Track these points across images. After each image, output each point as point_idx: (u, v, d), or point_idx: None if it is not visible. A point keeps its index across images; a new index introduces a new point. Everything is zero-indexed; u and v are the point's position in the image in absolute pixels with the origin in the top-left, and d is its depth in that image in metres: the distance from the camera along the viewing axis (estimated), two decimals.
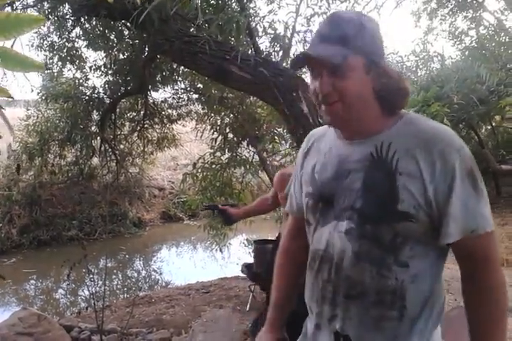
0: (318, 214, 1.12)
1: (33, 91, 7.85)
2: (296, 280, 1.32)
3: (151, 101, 8.15)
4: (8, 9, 4.77)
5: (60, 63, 6.86)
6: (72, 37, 6.42)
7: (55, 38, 6.50)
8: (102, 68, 7.13)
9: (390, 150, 1.00)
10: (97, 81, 7.78)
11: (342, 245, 1.04)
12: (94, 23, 5.83)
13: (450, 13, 10.35)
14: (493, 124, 10.04)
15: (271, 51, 4.59)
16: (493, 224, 0.99)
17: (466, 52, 7.58)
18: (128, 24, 5.18)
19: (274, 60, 4.41)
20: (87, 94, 7.73)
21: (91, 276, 3.70)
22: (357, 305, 1.04)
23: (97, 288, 3.99)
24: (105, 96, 7.65)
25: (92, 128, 8.20)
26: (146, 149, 9.39)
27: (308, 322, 1.20)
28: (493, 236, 1.00)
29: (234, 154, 6.09)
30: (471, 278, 1.04)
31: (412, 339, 1.03)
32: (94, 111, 7.91)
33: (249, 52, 4.07)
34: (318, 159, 1.15)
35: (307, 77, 5.81)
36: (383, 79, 1.01)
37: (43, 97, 7.85)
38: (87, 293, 4.55)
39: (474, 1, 9.46)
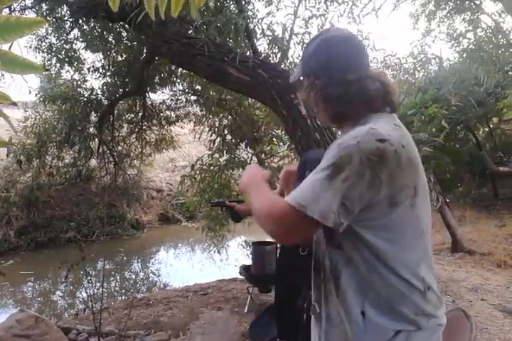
0: None
1: (31, 92, 7.86)
2: None
3: (149, 102, 8.16)
4: (6, 11, 4.77)
5: (58, 65, 6.85)
6: (71, 38, 6.42)
7: (53, 40, 6.51)
8: (100, 70, 7.13)
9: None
10: (95, 82, 7.83)
11: None
12: (92, 24, 5.83)
13: (448, 15, 10.38)
14: (491, 126, 10.06)
15: (269, 53, 4.59)
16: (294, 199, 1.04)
17: (464, 54, 7.60)
18: (126, 26, 5.18)
19: (272, 61, 4.41)
20: (85, 95, 7.72)
21: (89, 278, 3.69)
22: (317, 278, 1.21)
23: (95, 290, 3.99)
24: (103, 97, 7.65)
25: (90, 129, 8.20)
26: (144, 151, 9.39)
27: None
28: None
29: (232, 156, 6.09)
30: None
31: (352, 322, 1.09)
32: (93, 112, 7.90)
33: (248, 54, 4.08)
34: None
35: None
36: (320, 92, 1.20)
37: (41, 99, 7.85)
38: (84, 294, 4.54)
39: (472, 4, 9.49)
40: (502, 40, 7.89)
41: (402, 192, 1.05)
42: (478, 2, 9.46)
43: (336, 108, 1.18)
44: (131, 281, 7.77)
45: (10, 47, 5.67)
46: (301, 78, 1.27)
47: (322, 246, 1.19)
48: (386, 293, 1.08)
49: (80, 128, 7.89)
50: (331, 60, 1.17)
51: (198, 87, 7.15)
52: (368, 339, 1.08)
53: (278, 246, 3.93)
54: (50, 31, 6.44)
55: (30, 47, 6.62)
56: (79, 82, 7.72)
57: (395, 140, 1.04)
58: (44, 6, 5.39)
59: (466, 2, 9.51)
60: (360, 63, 1.19)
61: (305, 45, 1.27)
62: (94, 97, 7.67)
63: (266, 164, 6.21)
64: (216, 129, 6.40)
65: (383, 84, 1.16)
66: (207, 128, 6.71)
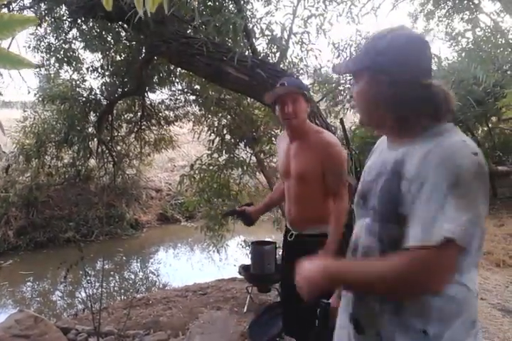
0: (358, 210, 1.27)
1: (29, 92, 7.84)
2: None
3: (148, 102, 8.16)
4: (5, 10, 4.77)
5: (57, 64, 6.85)
6: (69, 38, 6.42)
7: (52, 40, 6.50)
8: (99, 69, 7.13)
9: (406, 158, 1.08)
10: (94, 82, 7.81)
11: (364, 239, 1.17)
12: (91, 24, 5.83)
13: (447, 14, 10.37)
14: (490, 125, 10.07)
15: (268, 52, 4.60)
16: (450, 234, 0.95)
17: (463, 54, 7.59)
18: (125, 25, 5.18)
19: (271, 61, 4.42)
20: (84, 95, 7.72)
21: (88, 278, 3.69)
22: (366, 293, 1.14)
23: (94, 290, 3.98)
24: (102, 97, 7.65)
25: (89, 129, 8.18)
26: (143, 151, 9.38)
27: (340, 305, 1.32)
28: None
29: (231, 155, 6.09)
30: None
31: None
32: (91, 112, 7.90)
33: (247, 53, 4.08)
34: (372, 161, 1.29)
35: (303, 78, 5.81)
36: (385, 92, 1.11)
37: (40, 99, 7.84)
38: (84, 294, 4.53)
39: (471, 3, 9.49)
40: (501, 39, 7.88)
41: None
42: (476, 1, 9.46)
43: (401, 111, 1.12)
44: (131, 281, 7.77)
45: (9, 47, 5.67)
46: (356, 70, 1.16)
47: None
48: (449, 305, 1.05)
49: (78, 128, 7.87)
50: (410, 59, 1.10)
51: (197, 87, 7.14)
52: None
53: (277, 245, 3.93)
54: (48, 31, 6.44)
55: (29, 47, 6.61)
56: (78, 82, 7.71)
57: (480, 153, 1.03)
58: (43, 6, 5.39)
59: (465, 1, 9.50)
60: (431, 69, 1.17)
61: (374, 36, 1.17)
62: (93, 97, 7.67)
63: (265, 163, 6.21)
64: (215, 129, 6.40)
65: (445, 92, 1.12)
66: (206, 128, 6.70)
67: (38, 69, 7.26)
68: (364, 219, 1.19)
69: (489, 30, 8.81)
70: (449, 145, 1.02)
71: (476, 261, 1.10)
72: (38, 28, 6.28)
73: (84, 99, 7.67)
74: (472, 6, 9.51)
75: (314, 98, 4.84)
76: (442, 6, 10.23)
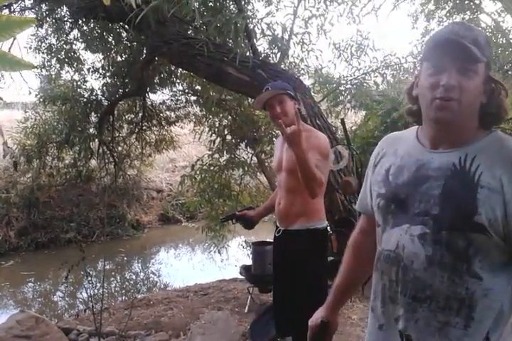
0: (389, 215, 1.15)
1: (30, 93, 7.84)
2: (360, 271, 1.37)
3: (149, 103, 8.16)
4: (6, 11, 4.78)
5: (58, 65, 6.86)
6: (70, 39, 6.43)
7: (53, 40, 6.52)
8: (100, 70, 7.13)
9: (473, 162, 1.02)
10: (95, 83, 7.79)
11: (414, 248, 1.07)
12: (92, 25, 5.84)
13: (447, 14, 10.35)
14: None
15: (269, 53, 4.60)
16: None
17: None
18: (126, 26, 5.19)
19: (272, 61, 4.42)
20: (85, 96, 7.72)
21: (89, 279, 3.69)
22: (424, 308, 1.06)
23: (96, 291, 3.99)
24: (103, 98, 7.65)
25: (90, 130, 8.18)
26: (144, 151, 9.38)
27: (371, 321, 1.22)
28: None
29: (232, 156, 6.10)
30: None
31: None
32: (93, 113, 7.90)
33: (248, 54, 4.08)
34: (394, 162, 1.17)
35: (304, 79, 5.81)
36: (491, 95, 1.05)
37: (41, 99, 7.84)
38: (85, 295, 4.54)
39: (471, 3, 9.48)
40: (502, 39, 7.89)
41: None
42: (477, 1, 9.44)
43: (487, 109, 1.07)
44: (132, 282, 7.77)
45: (10, 48, 5.68)
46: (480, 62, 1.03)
47: (443, 271, 1.04)
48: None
49: (80, 128, 7.88)
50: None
51: (198, 87, 7.15)
52: None
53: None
54: (49, 32, 6.45)
55: (30, 47, 6.63)
56: (79, 83, 7.71)
57: None
58: (44, 7, 5.40)
59: (466, 1, 9.49)
60: None
61: (467, 28, 1.05)
62: (94, 98, 7.67)
63: (266, 164, 6.22)
64: (216, 129, 6.41)
65: None
66: (207, 129, 6.71)
67: (38, 70, 7.27)
68: (405, 226, 1.10)
69: (490, 30, 8.80)
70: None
71: None
72: (39, 28, 6.29)
73: (85, 99, 7.67)
74: (473, 6, 9.50)
75: (315, 98, 4.84)
76: (443, 6, 10.22)
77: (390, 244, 1.13)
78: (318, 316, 1.40)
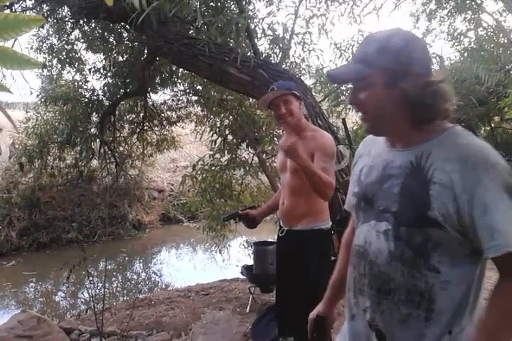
0: (360, 212, 1.23)
1: (32, 93, 7.85)
2: None
3: (151, 103, 8.16)
4: (7, 11, 4.78)
5: (59, 65, 6.86)
6: (72, 39, 6.44)
7: (55, 41, 6.52)
8: (102, 70, 7.14)
9: (428, 160, 1.06)
10: (96, 83, 7.83)
11: (378, 244, 1.13)
12: (93, 25, 5.85)
13: (449, 14, 10.33)
14: (492, 125, 10.04)
15: (270, 53, 4.59)
16: None
17: (465, 54, 7.59)
18: (127, 26, 5.19)
19: (273, 61, 4.41)
20: (87, 96, 7.73)
21: (91, 279, 3.69)
22: (388, 301, 1.11)
23: (97, 291, 3.99)
24: (104, 98, 7.66)
25: (92, 130, 8.19)
26: (145, 151, 9.39)
27: (346, 311, 1.29)
28: None
29: (233, 156, 6.09)
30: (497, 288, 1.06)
31: None
32: (94, 113, 7.91)
33: (249, 54, 4.08)
34: (367, 162, 1.25)
35: (305, 79, 5.81)
36: (409, 94, 1.06)
37: (43, 100, 7.85)
38: (86, 295, 4.54)
39: (473, 3, 9.47)
40: (503, 39, 7.88)
41: None
42: (479, 1, 9.43)
43: (421, 110, 1.08)
44: (133, 282, 7.78)
45: (12, 48, 5.68)
46: (365, 72, 1.09)
47: (404, 266, 1.09)
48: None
49: (81, 128, 7.89)
50: (426, 59, 1.11)
51: (199, 87, 7.15)
52: None
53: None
54: (51, 32, 6.46)
55: (32, 48, 6.63)
56: (80, 83, 7.72)
57: None
58: (45, 7, 5.41)
59: (467, 1, 9.48)
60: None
61: (373, 39, 1.12)
62: (95, 98, 7.68)
63: (267, 164, 6.22)
64: (217, 129, 6.40)
65: (449, 90, 1.12)
66: (208, 129, 6.71)
67: (40, 70, 7.29)
68: (372, 222, 1.16)
69: (492, 30, 8.79)
70: (482, 148, 1.02)
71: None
72: (41, 29, 6.30)
73: (86, 99, 7.69)
74: (474, 6, 9.48)
75: (316, 98, 4.84)
76: (444, 5, 10.20)
77: (359, 240, 1.20)
78: (315, 311, 1.47)
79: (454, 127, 1.10)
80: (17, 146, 8.94)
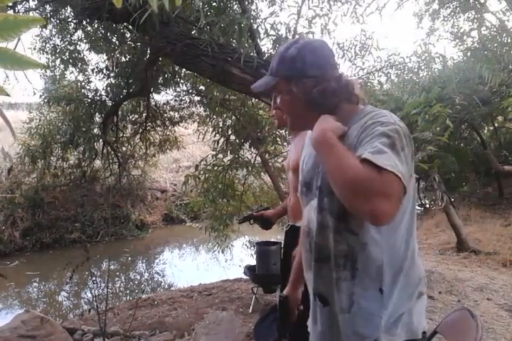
0: (303, 196, 1.33)
1: (35, 94, 7.88)
2: None
3: (153, 103, 8.18)
4: (11, 12, 4.79)
5: (62, 66, 6.88)
6: (75, 40, 6.45)
7: (58, 41, 6.54)
8: (104, 71, 7.16)
9: (346, 138, 1.16)
10: (99, 83, 7.84)
11: (313, 218, 1.25)
12: (96, 25, 5.85)
13: (452, 14, 10.34)
14: (496, 125, 10.02)
15: (273, 53, 4.58)
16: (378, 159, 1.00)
17: (468, 53, 7.57)
18: (130, 27, 5.19)
19: None
20: (90, 96, 7.75)
21: (94, 279, 3.70)
22: (325, 267, 1.22)
23: (100, 291, 3.99)
24: (107, 98, 7.68)
25: (95, 130, 8.22)
26: (148, 151, 9.41)
27: (308, 290, 1.37)
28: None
29: (236, 156, 6.09)
30: None
31: (369, 299, 1.16)
32: (97, 113, 7.93)
33: (251, 54, 4.07)
34: (307, 151, 1.36)
35: None
36: (306, 92, 1.21)
37: (46, 100, 7.87)
38: (89, 295, 4.56)
39: (476, 2, 9.45)
40: (506, 38, 7.85)
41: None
42: (482, 1, 9.42)
43: (333, 103, 1.22)
44: (136, 282, 7.79)
45: (14, 49, 5.69)
46: (274, 83, 1.27)
47: (330, 233, 1.19)
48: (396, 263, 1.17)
49: (84, 129, 7.91)
50: (321, 58, 1.23)
51: (202, 88, 7.16)
52: (389, 314, 1.15)
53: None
54: (54, 33, 6.48)
55: (35, 48, 6.66)
56: (83, 83, 7.75)
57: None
58: (48, 8, 5.41)
59: (471, 1, 9.47)
60: (336, 62, 1.31)
61: (278, 51, 1.30)
62: (98, 98, 7.70)
63: (270, 164, 6.21)
64: (220, 129, 6.41)
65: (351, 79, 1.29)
66: (211, 129, 6.71)
67: (43, 71, 7.30)
68: (311, 202, 1.27)
69: (495, 29, 8.78)
70: (382, 113, 1.15)
71: (414, 223, 1.20)
72: (44, 29, 6.31)
73: (89, 100, 7.71)
74: (478, 5, 9.47)
75: None
76: (448, 5, 10.20)
77: (305, 220, 1.31)
78: (281, 293, 1.62)
79: (365, 107, 1.23)
80: (6, 150, 8.96)
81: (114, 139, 8.40)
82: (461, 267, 5.31)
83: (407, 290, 1.18)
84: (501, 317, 3.68)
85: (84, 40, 6.40)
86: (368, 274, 1.16)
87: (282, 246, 2.83)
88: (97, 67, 7.20)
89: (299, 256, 1.49)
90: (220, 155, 6.12)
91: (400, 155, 1.02)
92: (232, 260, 7.45)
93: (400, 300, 1.16)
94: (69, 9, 5.42)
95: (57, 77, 7.71)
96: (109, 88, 7.45)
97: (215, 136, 6.39)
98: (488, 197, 9.57)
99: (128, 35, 6.21)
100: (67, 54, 6.54)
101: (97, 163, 9.28)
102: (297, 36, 4.24)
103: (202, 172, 5.92)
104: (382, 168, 0.97)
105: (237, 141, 6.28)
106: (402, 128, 1.09)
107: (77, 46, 6.59)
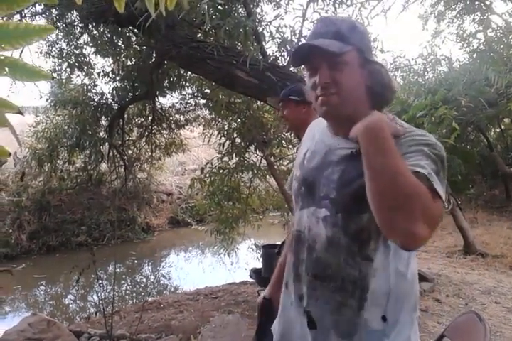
0: (299, 197, 1.21)
1: (41, 97, 7.93)
2: None
3: (159, 106, 8.20)
4: (17, 17, 4.82)
5: (68, 70, 6.93)
6: (80, 43, 6.49)
7: (64, 45, 6.57)
8: (110, 74, 7.19)
9: None
10: (105, 87, 7.88)
11: (318, 230, 1.12)
12: (101, 29, 5.88)
13: (457, 15, 10.31)
14: (502, 127, 9.97)
15: (278, 56, 4.59)
16: None
17: (474, 55, 7.54)
18: (135, 30, 5.22)
19: (281, 64, 4.41)
20: (96, 100, 7.78)
21: (100, 282, 3.71)
22: (323, 287, 1.11)
23: (106, 294, 4.00)
24: (113, 102, 7.71)
25: (101, 134, 8.25)
26: (154, 154, 9.42)
27: (284, 296, 1.27)
28: None
29: (241, 159, 6.09)
30: None
31: (372, 328, 1.07)
32: (103, 117, 7.96)
33: (257, 57, 4.07)
34: (310, 146, 1.23)
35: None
36: (375, 76, 1.07)
37: (52, 104, 7.92)
38: (96, 298, 4.55)
39: (482, 4, 9.42)
40: None
41: None
42: (488, 2, 9.39)
43: (383, 93, 1.10)
44: (142, 285, 7.80)
45: (21, 53, 5.73)
46: (345, 50, 1.05)
47: (341, 253, 1.08)
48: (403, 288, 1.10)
49: (90, 132, 7.94)
50: (370, 42, 1.15)
51: (207, 91, 7.17)
52: None
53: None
54: (60, 37, 6.51)
55: (41, 52, 6.70)
56: (89, 87, 7.78)
57: None
58: (54, 12, 5.45)
59: (476, 2, 9.44)
60: None
61: (338, 19, 1.12)
62: (104, 102, 7.73)
63: (275, 166, 6.20)
64: (225, 132, 6.41)
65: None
66: (216, 132, 6.72)
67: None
68: (312, 208, 1.15)
69: (501, 31, 8.74)
70: (418, 131, 1.06)
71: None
72: (49, 35, 6.35)
73: (95, 103, 7.74)
74: (483, 7, 9.44)
75: None
76: (453, 7, 10.17)
77: (299, 225, 1.18)
78: (262, 294, 1.54)
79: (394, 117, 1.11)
80: (19, 156, 9.04)
81: (120, 142, 8.42)
82: (469, 270, 5.28)
83: (407, 317, 1.11)
84: (509, 321, 3.65)
85: (90, 44, 6.43)
86: (375, 304, 1.07)
87: None
88: (102, 71, 7.24)
89: (284, 258, 1.41)
90: (226, 158, 6.12)
91: (443, 184, 0.97)
92: (238, 263, 7.44)
93: (401, 327, 1.09)
94: (75, 13, 5.46)
95: (64, 80, 7.75)
96: (115, 91, 7.48)
97: (220, 138, 6.40)
98: (495, 200, 9.52)
99: (133, 38, 6.23)
100: (73, 58, 6.58)
101: (103, 166, 9.30)
102: (302, 39, 4.24)
103: (207, 175, 5.92)
104: (438, 193, 0.92)
105: (243, 143, 6.28)
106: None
107: (83, 50, 6.63)
